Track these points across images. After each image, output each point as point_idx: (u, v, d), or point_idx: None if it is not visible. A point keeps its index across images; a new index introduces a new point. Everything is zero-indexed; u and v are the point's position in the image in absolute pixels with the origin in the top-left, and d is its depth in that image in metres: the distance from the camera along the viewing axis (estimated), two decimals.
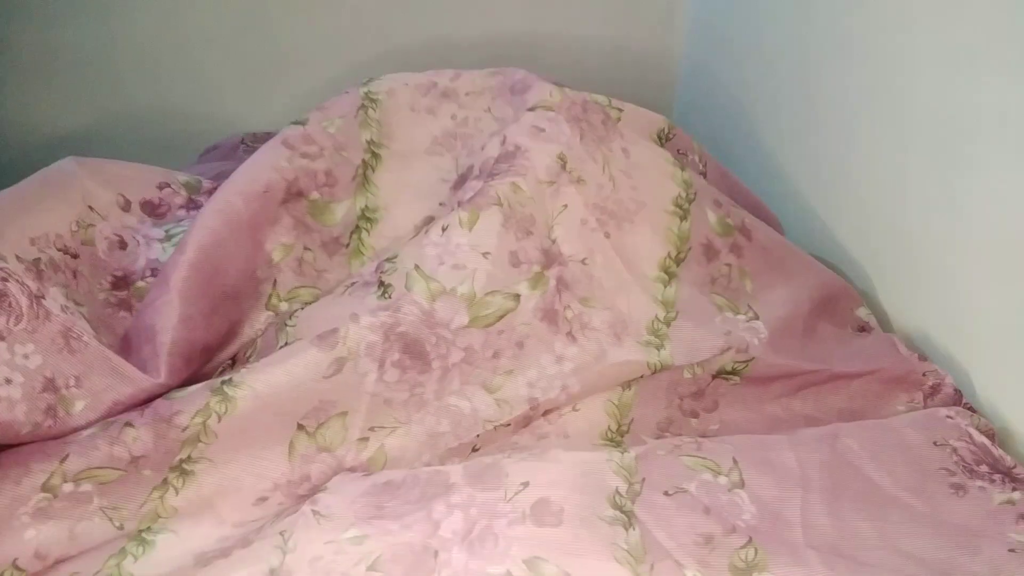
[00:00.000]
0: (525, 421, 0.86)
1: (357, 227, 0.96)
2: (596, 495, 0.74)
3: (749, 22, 1.29)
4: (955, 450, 0.81)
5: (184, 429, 0.78)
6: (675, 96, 1.53)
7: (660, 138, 1.05)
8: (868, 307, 1.02)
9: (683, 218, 0.97)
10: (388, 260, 0.90)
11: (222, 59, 1.33)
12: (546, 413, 0.87)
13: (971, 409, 0.88)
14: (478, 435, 0.84)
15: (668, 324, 0.91)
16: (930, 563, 0.71)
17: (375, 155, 0.98)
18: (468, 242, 0.88)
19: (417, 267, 0.87)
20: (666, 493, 0.75)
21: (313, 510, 0.74)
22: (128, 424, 0.77)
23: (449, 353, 0.85)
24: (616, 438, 0.86)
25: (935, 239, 0.93)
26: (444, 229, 0.89)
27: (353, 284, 0.91)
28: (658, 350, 0.89)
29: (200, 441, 0.78)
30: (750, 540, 0.71)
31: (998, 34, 0.82)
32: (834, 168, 1.10)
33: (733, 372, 0.90)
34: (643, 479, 0.76)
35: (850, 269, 1.07)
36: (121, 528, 0.74)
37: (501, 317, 0.86)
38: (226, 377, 0.80)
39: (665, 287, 0.94)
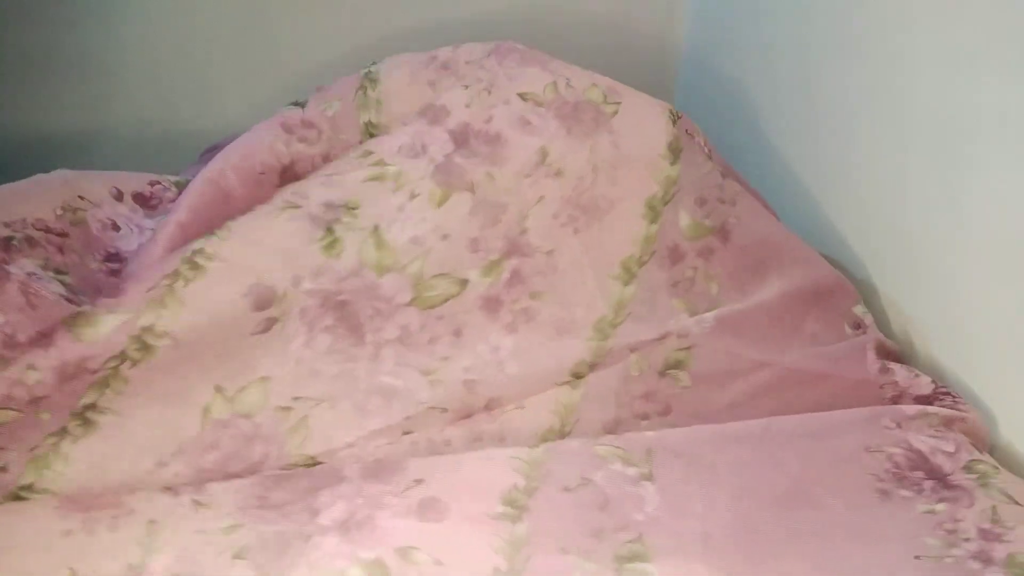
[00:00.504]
0: (465, 411, 0.86)
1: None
2: (489, 494, 0.75)
3: (750, 10, 1.29)
4: (889, 456, 0.81)
5: (94, 372, 0.78)
6: (675, 84, 1.52)
7: (672, 118, 1.04)
8: (867, 304, 1.01)
9: (652, 220, 0.98)
10: (349, 208, 0.90)
11: (222, 59, 1.32)
12: (490, 408, 0.86)
13: (952, 396, 0.88)
14: (408, 416, 0.83)
15: (615, 326, 0.92)
16: (827, 565, 0.71)
17: (373, 137, 0.99)
18: (432, 219, 0.90)
19: (377, 229, 0.88)
20: (566, 488, 0.76)
21: (194, 499, 0.74)
22: (31, 367, 0.77)
23: (384, 328, 0.86)
24: (553, 438, 0.85)
25: (934, 235, 0.93)
26: (413, 197, 0.91)
27: (298, 209, 0.90)
28: (601, 342, 0.90)
29: (109, 387, 0.78)
30: (639, 536, 0.72)
31: (999, 34, 0.82)
32: (834, 160, 1.10)
33: (678, 365, 0.90)
34: (546, 473, 0.77)
35: (848, 263, 1.07)
36: (4, 470, 0.74)
37: (444, 301, 0.88)
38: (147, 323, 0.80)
39: (624, 287, 0.95)
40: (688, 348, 0.91)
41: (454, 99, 0.99)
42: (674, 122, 1.03)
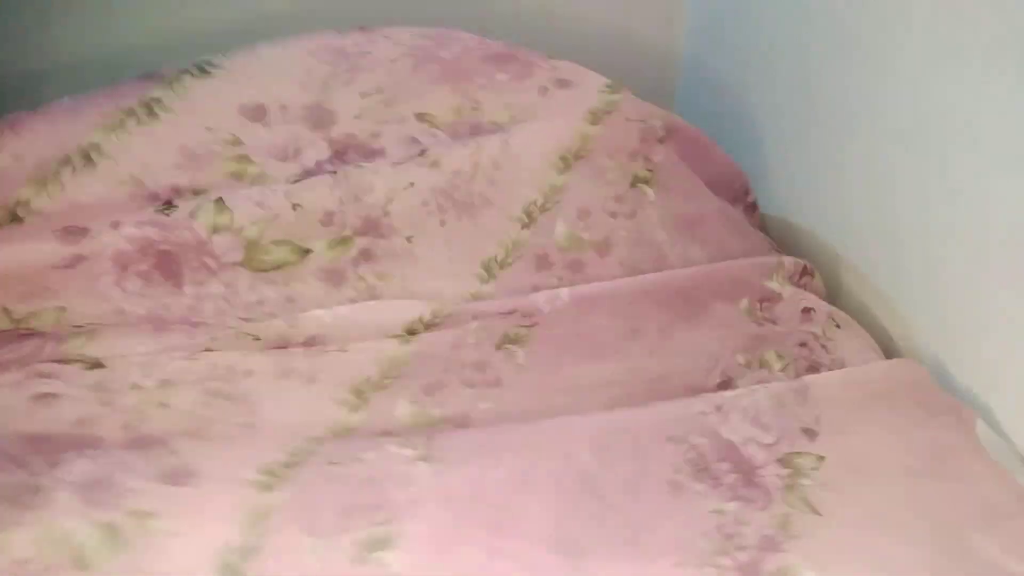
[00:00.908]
0: (280, 342, 0.83)
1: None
2: (248, 462, 0.70)
3: (750, 13, 1.27)
4: (693, 446, 0.75)
5: None
6: (676, 86, 1.50)
7: (592, 114, 1.02)
8: (860, 298, 0.99)
9: (525, 226, 0.96)
10: (195, 192, 0.90)
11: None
12: (309, 345, 0.83)
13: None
14: (214, 338, 0.81)
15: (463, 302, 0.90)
16: (578, 552, 0.65)
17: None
18: (284, 190, 0.89)
19: (220, 200, 0.88)
20: (331, 463, 0.71)
21: None
22: None
23: (207, 283, 0.85)
24: (364, 392, 0.80)
25: (930, 233, 0.91)
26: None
27: (140, 186, 0.89)
28: (441, 306, 0.88)
29: None
30: (390, 519, 0.66)
31: (997, 35, 0.79)
32: (832, 161, 1.08)
33: (517, 341, 0.87)
34: (318, 448, 0.73)
35: (845, 259, 1.06)
36: None
37: (278, 267, 0.86)
38: None
39: (482, 284, 0.93)
40: (531, 327, 0.88)
41: (345, 105, 0.97)
42: (592, 123, 1.01)
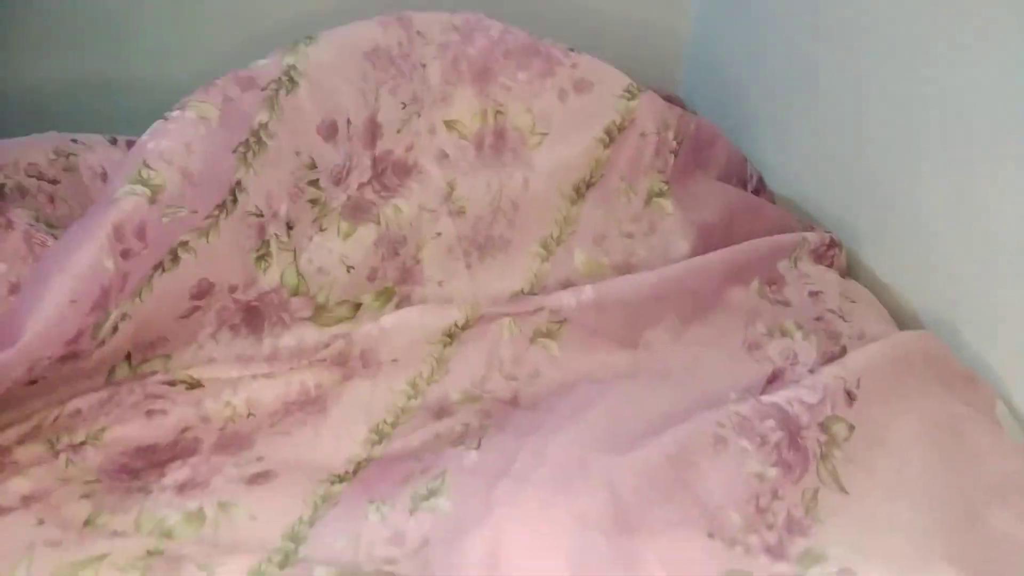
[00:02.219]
0: (340, 359, 0.90)
1: None
2: (319, 470, 0.80)
3: None
4: (736, 412, 0.77)
5: None
6: (682, 72, 1.49)
7: (607, 134, 1.04)
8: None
9: (544, 259, 1.00)
10: (287, 225, 0.92)
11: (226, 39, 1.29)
12: (365, 356, 0.90)
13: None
14: (291, 367, 0.87)
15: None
16: (618, 505, 0.70)
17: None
18: (339, 251, 0.94)
19: (295, 254, 0.93)
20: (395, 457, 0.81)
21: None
22: None
23: (282, 336, 0.91)
24: (422, 385, 0.89)
25: (947, 224, 0.90)
26: (323, 230, 0.95)
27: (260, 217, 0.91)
28: (474, 308, 0.93)
29: None
30: (443, 473, 0.76)
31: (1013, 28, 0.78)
32: (844, 147, 1.06)
33: (549, 335, 0.92)
34: (388, 448, 0.82)
35: (856, 246, 1.06)
36: None
37: (339, 322, 0.93)
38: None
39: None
40: (561, 322, 0.93)
41: (390, 118, 0.98)
42: (606, 147, 1.02)
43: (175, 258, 0.85)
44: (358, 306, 0.95)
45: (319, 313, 0.94)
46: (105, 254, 0.78)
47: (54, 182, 0.95)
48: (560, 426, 0.79)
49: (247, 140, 0.90)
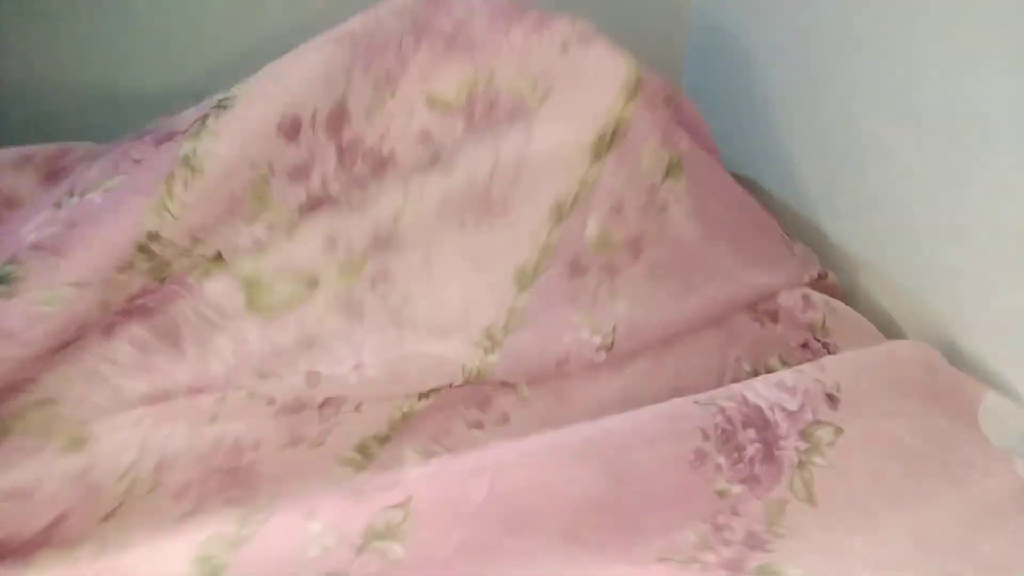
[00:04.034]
0: (296, 404, 0.74)
1: None
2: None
3: None
4: (722, 409, 0.71)
5: None
6: (685, 56, 1.45)
7: (629, 89, 0.88)
8: (867, 290, 0.97)
9: (552, 230, 0.84)
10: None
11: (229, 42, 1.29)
12: (324, 405, 0.75)
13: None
14: (223, 400, 0.71)
15: (508, 332, 0.79)
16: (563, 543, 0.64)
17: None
18: (287, 249, 0.78)
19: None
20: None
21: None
22: None
23: (211, 338, 0.73)
24: (369, 449, 0.75)
25: (947, 224, 0.87)
26: (271, 227, 0.79)
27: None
28: (485, 354, 0.78)
29: None
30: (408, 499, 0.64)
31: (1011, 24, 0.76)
32: (841, 139, 1.03)
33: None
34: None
35: (850, 243, 1.03)
36: None
37: (288, 307, 0.75)
38: None
39: (517, 295, 0.82)
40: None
41: (358, 101, 0.82)
42: (628, 100, 0.87)
43: None
44: (315, 281, 0.77)
45: (254, 295, 0.75)
46: None
47: None
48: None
49: (169, 173, 0.75)
